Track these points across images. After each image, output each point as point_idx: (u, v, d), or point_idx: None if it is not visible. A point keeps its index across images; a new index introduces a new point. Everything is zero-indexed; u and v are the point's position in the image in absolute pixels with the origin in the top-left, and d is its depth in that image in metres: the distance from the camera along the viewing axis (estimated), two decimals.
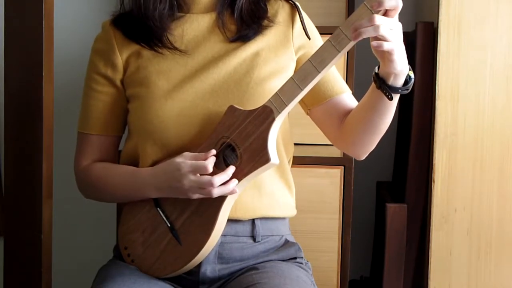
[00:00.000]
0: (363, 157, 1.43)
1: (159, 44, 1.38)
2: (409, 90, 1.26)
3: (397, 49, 1.17)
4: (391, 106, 1.29)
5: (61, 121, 1.84)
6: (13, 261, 1.34)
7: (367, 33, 1.14)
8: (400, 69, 1.20)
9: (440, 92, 1.74)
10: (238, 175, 1.27)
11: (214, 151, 1.28)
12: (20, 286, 1.34)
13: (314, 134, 1.52)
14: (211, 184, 1.24)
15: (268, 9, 1.42)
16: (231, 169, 1.27)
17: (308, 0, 1.88)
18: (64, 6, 2.12)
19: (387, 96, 1.25)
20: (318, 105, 1.42)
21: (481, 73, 1.73)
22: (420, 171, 1.81)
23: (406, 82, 1.25)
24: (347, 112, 1.40)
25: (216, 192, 1.25)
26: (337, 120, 1.41)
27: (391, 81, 1.23)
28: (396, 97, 1.27)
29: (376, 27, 1.13)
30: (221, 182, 1.25)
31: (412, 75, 1.25)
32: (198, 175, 1.26)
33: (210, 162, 1.25)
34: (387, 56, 1.18)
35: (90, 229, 2.25)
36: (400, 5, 1.16)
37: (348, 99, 1.43)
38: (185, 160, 1.28)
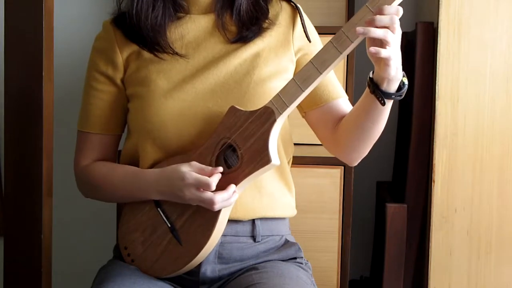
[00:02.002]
0: (355, 163, 1.43)
1: (159, 49, 1.38)
2: (402, 97, 1.26)
3: (394, 55, 1.17)
4: (384, 112, 1.29)
5: (61, 121, 1.84)
6: (13, 261, 1.34)
7: (374, 34, 1.15)
8: (394, 74, 1.20)
9: (440, 92, 1.74)
10: (239, 176, 1.27)
11: (221, 169, 1.27)
12: (20, 286, 1.34)
13: (314, 134, 1.51)
14: (212, 203, 1.24)
15: (269, 10, 1.42)
16: (232, 188, 1.26)
17: (308, 0, 1.88)
18: (64, 6, 2.12)
19: (380, 101, 1.25)
20: (313, 108, 1.42)
21: (481, 73, 1.73)
22: (420, 171, 1.81)
23: (400, 88, 1.25)
24: (342, 117, 1.40)
25: (217, 207, 1.26)
26: (332, 125, 1.41)
27: (384, 86, 1.23)
28: (389, 103, 1.27)
29: (386, 31, 1.15)
30: (222, 201, 1.25)
31: (406, 82, 1.25)
32: (201, 190, 1.26)
33: (214, 180, 1.25)
34: (383, 61, 1.18)
35: (90, 229, 2.25)
36: (401, 12, 1.17)
37: (344, 104, 1.43)
38: (190, 171, 1.27)
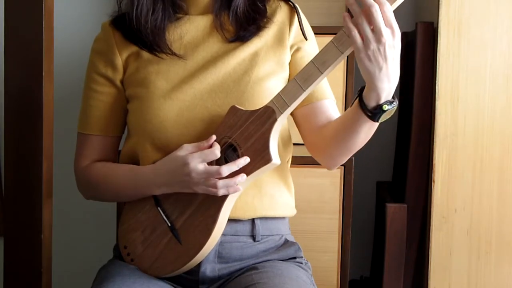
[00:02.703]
0: (333, 169, 1.42)
1: (158, 49, 1.38)
2: (375, 119, 1.22)
3: (364, 57, 1.16)
4: (362, 125, 1.25)
5: (61, 121, 1.84)
6: (13, 261, 1.34)
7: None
8: (369, 78, 1.18)
9: (440, 92, 1.74)
10: None
11: (214, 137, 1.28)
12: (20, 286, 1.34)
13: None
14: (218, 174, 1.24)
15: (267, 9, 1.42)
16: (243, 160, 1.26)
17: (308, 0, 1.88)
18: (64, 6, 2.12)
19: (353, 100, 1.24)
20: (299, 107, 1.42)
21: (481, 73, 1.73)
22: (420, 171, 1.81)
23: (381, 107, 1.21)
24: (326, 120, 1.39)
25: (221, 185, 1.25)
26: (315, 125, 1.40)
27: (364, 92, 1.22)
28: (370, 124, 1.24)
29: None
30: (229, 172, 1.25)
31: (387, 108, 1.21)
32: (206, 164, 1.26)
33: (217, 148, 1.26)
34: (358, 59, 1.17)
35: (90, 229, 2.25)
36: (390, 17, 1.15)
37: (329, 106, 1.41)
38: (189, 152, 1.28)
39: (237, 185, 1.26)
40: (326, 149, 1.37)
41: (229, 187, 1.26)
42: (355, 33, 1.15)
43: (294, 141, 1.51)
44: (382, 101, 1.21)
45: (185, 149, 1.29)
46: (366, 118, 1.23)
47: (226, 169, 1.24)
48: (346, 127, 1.29)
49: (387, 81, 1.18)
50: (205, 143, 1.28)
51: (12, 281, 1.34)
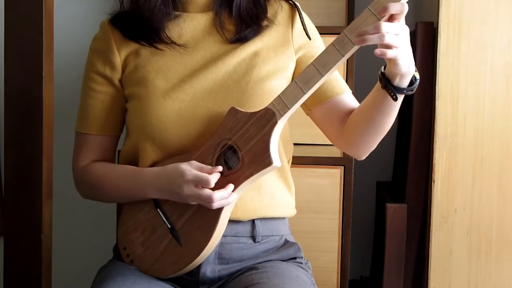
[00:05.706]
0: (364, 157, 1.43)
1: (157, 39, 1.37)
2: (413, 91, 1.26)
3: (402, 53, 1.16)
4: (395, 106, 1.29)
5: (61, 121, 1.84)
6: (13, 261, 1.33)
7: (372, 41, 1.14)
8: (406, 71, 1.20)
9: (440, 92, 1.74)
10: (240, 178, 1.27)
11: (220, 168, 1.27)
12: (20, 286, 1.34)
13: (314, 134, 1.52)
14: (210, 200, 1.24)
15: (268, 9, 1.42)
16: (230, 187, 1.26)
17: (308, 0, 1.88)
18: (64, 6, 2.11)
19: (392, 97, 1.24)
20: (319, 105, 1.42)
21: (481, 73, 1.73)
22: (420, 171, 1.81)
23: (412, 83, 1.25)
24: (348, 112, 1.40)
25: (215, 205, 1.26)
26: (338, 120, 1.41)
27: (396, 82, 1.23)
28: (401, 97, 1.27)
29: (382, 36, 1.13)
30: (220, 199, 1.25)
31: (417, 76, 1.25)
32: (200, 187, 1.26)
33: (213, 177, 1.25)
34: (392, 60, 1.18)
35: (90, 229, 2.25)
36: (406, 9, 1.15)
37: (348, 99, 1.43)
38: (190, 168, 1.27)
39: (230, 202, 1.28)
40: (358, 139, 1.37)
41: (222, 205, 1.27)
42: (385, 50, 1.15)
43: (294, 141, 1.51)
44: (414, 72, 1.24)
45: (190, 165, 1.28)
46: (402, 96, 1.26)
47: (218, 196, 1.24)
48: (380, 112, 1.30)
49: (411, 59, 1.21)
50: (207, 169, 1.27)
51: (12, 281, 1.34)
